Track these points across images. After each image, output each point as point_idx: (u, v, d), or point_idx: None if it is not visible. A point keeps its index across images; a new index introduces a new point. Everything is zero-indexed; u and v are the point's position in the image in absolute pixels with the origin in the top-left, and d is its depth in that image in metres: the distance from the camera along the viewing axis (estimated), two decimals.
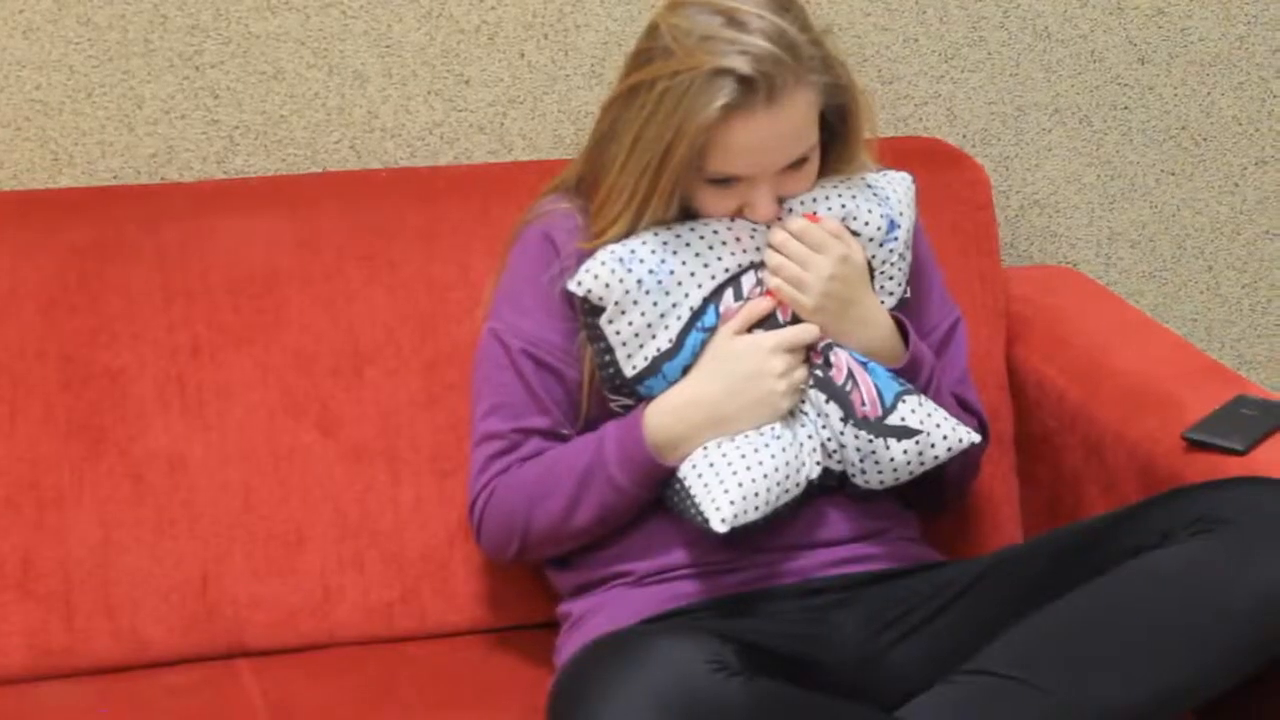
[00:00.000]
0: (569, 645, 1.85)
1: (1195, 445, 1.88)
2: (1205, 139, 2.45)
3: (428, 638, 2.00)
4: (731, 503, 1.77)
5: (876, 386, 1.83)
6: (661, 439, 1.81)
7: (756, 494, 1.78)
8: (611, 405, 1.86)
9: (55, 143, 2.12)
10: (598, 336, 1.83)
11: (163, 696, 1.89)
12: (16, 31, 2.09)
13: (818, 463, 1.83)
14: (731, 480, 1.77)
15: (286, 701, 1.88)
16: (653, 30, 1.81)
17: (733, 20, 1.76)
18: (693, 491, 1.79)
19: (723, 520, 1.76)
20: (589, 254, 1.83)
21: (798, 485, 1.81)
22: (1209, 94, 2.44)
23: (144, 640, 1.95)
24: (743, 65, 1.74)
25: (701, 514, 1.78)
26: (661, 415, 1.82)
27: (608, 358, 1.83)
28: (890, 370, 1.86)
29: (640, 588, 1.85)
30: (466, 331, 2.03)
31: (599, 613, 1.85)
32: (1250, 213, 2.49)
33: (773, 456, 1.79)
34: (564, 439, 1.87)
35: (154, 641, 1.95)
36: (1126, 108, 2.42)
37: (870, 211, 1.87)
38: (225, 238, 2.02)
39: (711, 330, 1.83)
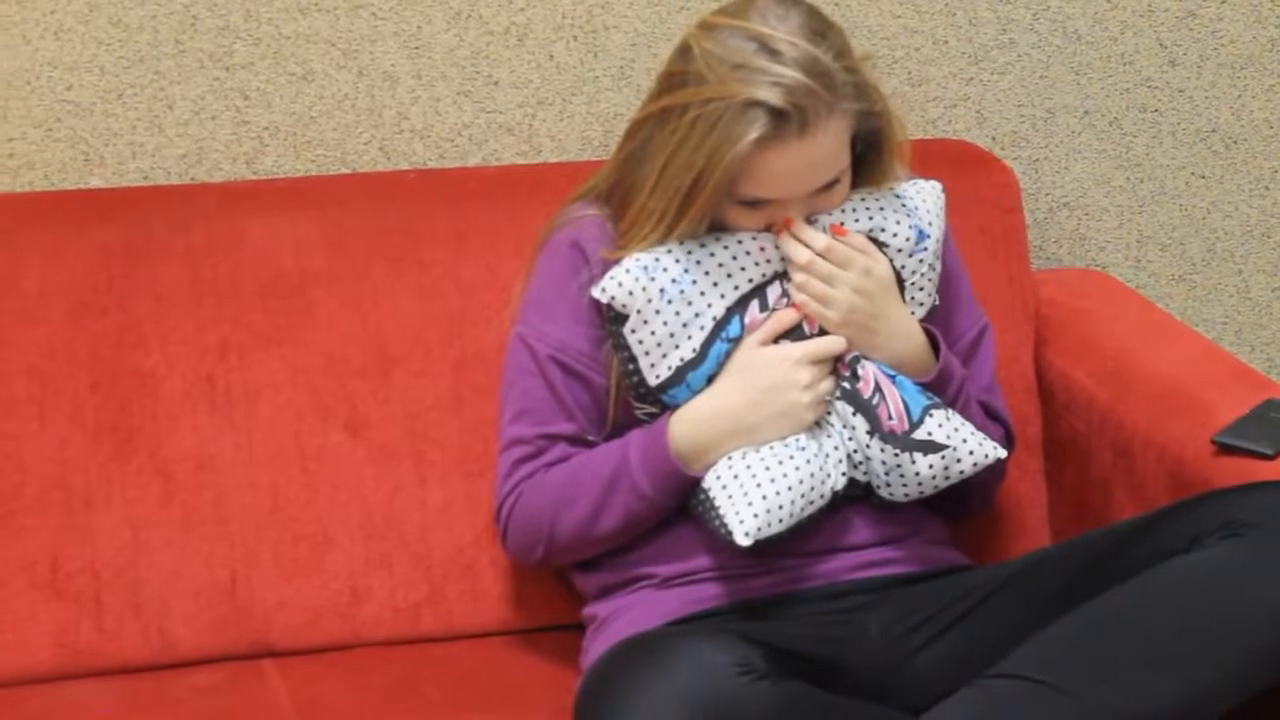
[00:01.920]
0: (595, 647, 1.85)
1: (1224, 449, 1.88)
2: (1235, 142, 2.44)
3: (454, 639, 2.00)
4: (755, 515, 1.77)
5: (904, 400, 1.83)
6: (686, 448, 1.81)
7: (780, 506, 1.78)
8: (637, 413, 1.86)
9: (86, 143, 2.13)
10: (622, 345, 1.83)
11: (190, 696, 1.89)
12: (48, 33, 2.10)
13: (843, 474, 1.83)
14: (756, 493, 1.77)
15: (313, 701, 1.88)
16: (685, 52, 1.80)
17: (766, 48, 1.76)
18: (716, 503, 1.79)
19: (746, 534, 1.76)
20: (615, 263, 1.84)
21: (822, 497, 1.81)
22: (1239, 96, 2.43)
23: (172, 640, 1.95)
24: (775, 98, 1.74)
25: (725, 526, 1.78)
26: (686, 424, 1.82)
27: (631, 366, 1.83)
28: (919, 383, 1.85)
29: (665, 590, 1.85)
30: (495, 333, 2.04)
31: (624, 615, 1.85)
32: None
33: (797, 469, 1.79)
34: (590, 445, 1.87)
35: (182, 641, 1.96)
36: (1156, 110, 2.41)
37: (899, 223, 1.87)
38: (255, 238, 2.02)
39: (736, 341, 1.83)
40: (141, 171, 2.15)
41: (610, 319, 1.84)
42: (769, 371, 1.81)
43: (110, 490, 1.95)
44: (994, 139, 2.36)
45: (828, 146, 1.78)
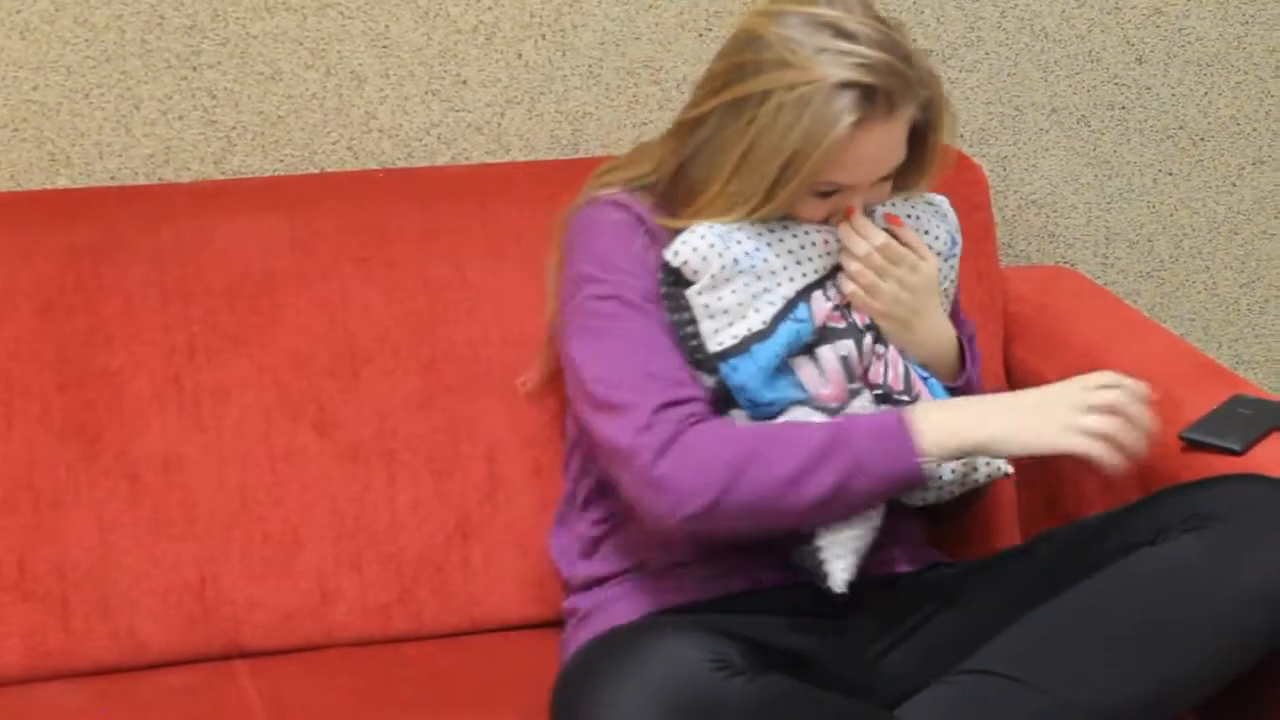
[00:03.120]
0: (576, 640, 1.85)
1: (1192, 445, 1.88)
2: (1203, 139, 2.45)
3: (425, 638, 2.00)
4: (849, 569, 1.79)
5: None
6: (929, 442, 1.75)
7: (857, 564, 1.80)
8: None
9: (52, 143, 2.12)
10: (683, 307, 1.81)
11: (160, 697, 1.89)
12: (14, 32, 2.09)
13: None
14: (834, 545, 1.79)
15: (284, 702, 1.88)
16: (754, 40, 1.78)
17: (841, 31, 1.76)
18: (821, 549, 1.80)
19: (846, 581, 1.79)
20: (676, 232, 1.81)
21: (875, 526, 1.83)
22: (1206, 94, 2.44)
23: (141, 641, 1.95)
24: (866, 77, 1.74)
25: (825, 570, 1.79)
26: (933, 429, 1.75)
27: (691, 329, 1.81)
28: (946, 389, 1.87)
29: (649, 582, 1.85)
30: (464, 332, 2.03)
31: (608, 608, 1.85)
32: (1248, 212, 2.49)
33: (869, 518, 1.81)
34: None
35: (151, 642, 1.95)
36: (1124, 107, 2.42)
37: (938, 226, 1.91)
38: (222, 238, 2.02)
39: (804, 324, 1.82)
40: (109, 172, 2.14)
41: (672, 281, 1.81)
42: (1061, 398, 1.75)
43: (78, 491, 1.95)
44: (962, 136, 2.36)
45: (901, 130, 1.80)
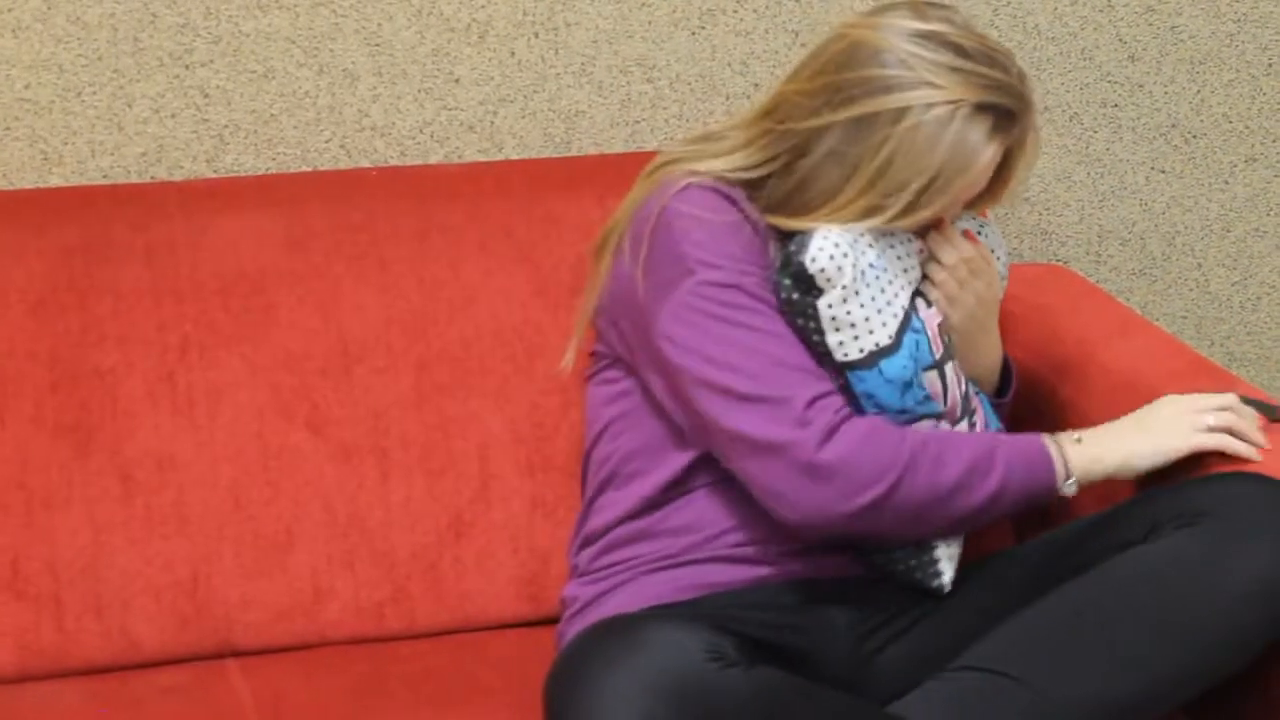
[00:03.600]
0: (571, 630, 1.85)
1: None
2: (1195, 137, 2.45)
3: (418, 637, 2.00)
4: (952, 571, 1.84)
5: (987, 420, 1.90)
6: (1076, 469, 1.80)
7: (953, 568, 1.84)
8: None
9: (45, 142, 2.12)
10: (810, 315, 1.78)
11: (153, 696, 1.89)
12: (5, 30, 2.09)
13: None
14: (946, 549, 1.84)
15: (277, 701, 1.88)
16: (876, 54, 1.76)
17: (960, 50, 1.76)
18: (939, 564, 1.83)
19: (951, 580, 1.83)
20: (784, 232, 1.79)
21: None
22: (1199, 92, 2.44)
23: (134, 640, 1.95)
24: (1002, 99, 1.76)
25: (939, 577, 1.83)
26: (1084, 461, 1.80)
27: (816, 338, 1.79)
28: (991, 403, 1.92)
29: (650, 576, 1.84)
30: (457, 330, 2.04)
31: (606, 600, 1.85)
32: (1240, 210, 2.49)
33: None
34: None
35: (144, 641, 1.95)
36: (1116, 105, 2.42)
37: (999, 246, 1.95)
38: (215, 237, 2.02)
39: (920, 334, 1.82)
40: (101, 170, 2.14)
41: (801, 289, 1.78)
42: (1180, 414, 1.82)
43: (70, 490, 1.95)
44: None
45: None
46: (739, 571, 1.83)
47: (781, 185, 1.81)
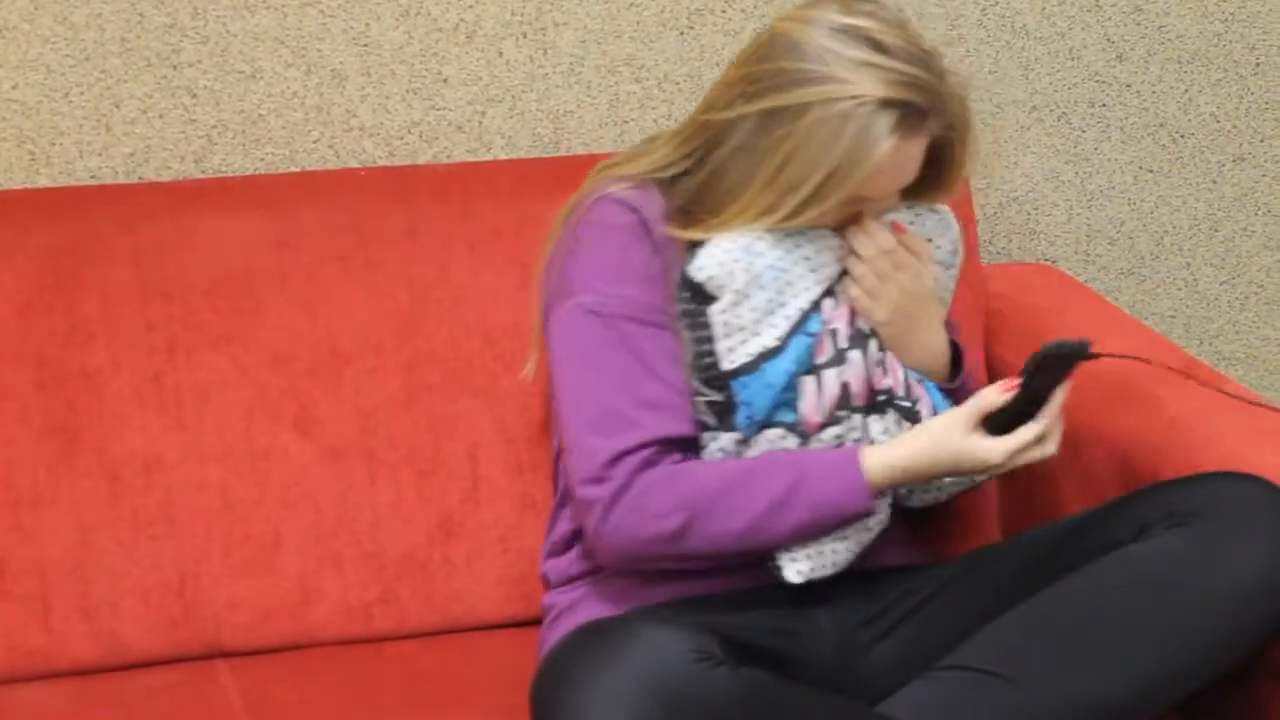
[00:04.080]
0: (552, 637, 1.84)
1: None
2: (1183, 136, 2.45)
3: (406, 637, 2.00)
4: (812, 569, 1.79)
5: (935, 407, 1.86)
6: (877, 485, 1.79)
7: (835, 564, 1.81)
8: (698, 400, 1.82)
9: (32, 142, 2.12)
10: (701, 324, 1.80)
11: (141, 697, 1.89)
12: None
13: (889, 501, 1.84)
14: (815, 545, 1.80)
15: (265, 702, 1.87)
16: (792, 47, 1.76)
17: (878, 44, 1.75)
18: (778, 560, 1.80)
19: (798, 572, 1.79)
20: (685, 243, 1.80)
21: (873, 535, 1.83)
22: (1187, 91, 2.44)
23: (122, 641, 1.94)
24: (906, 94, 1.74)
25: (777, 565, 1.80)
26: (882, 471, 1.78)
27: (706, 348, 1.80)
28: (940, 390, 1.87)
29: (625, 581, 1.84)
30: (446, 331, 2.03)
31: (583, 606, 1.85)
32: (1228, 209, 2.49)
33: (869, 528, 1.81)
34: (681, 445, 1.80)
35: (132, 642, 1.95)
36: (1104, 105, 2.42)
37: (941, 235, 1.91)
38: (203, 237, 2.01)
39: (814, 336, 1.81)
40: (89, 171, 2.14)
41: (695, 299, 1.79)
42: (971, 463, 1.78)
43: (57, 490, 1.94)
44: None
45: (924, 145, 1.79)
46: (718, 579, 1.83)
47: (694, 181, 1.82)
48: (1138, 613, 1.68)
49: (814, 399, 1.81)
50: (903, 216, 1.89)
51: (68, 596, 1.93)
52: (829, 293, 1.84)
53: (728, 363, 1.80)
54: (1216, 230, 2.49)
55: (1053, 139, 2.41)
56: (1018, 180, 2.41)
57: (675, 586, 1.83)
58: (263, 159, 2.18)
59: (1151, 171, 2.46)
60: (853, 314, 1.85)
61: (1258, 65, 2.46)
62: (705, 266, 1.78)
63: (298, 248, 2.03)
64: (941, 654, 1.73)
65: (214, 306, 2.00)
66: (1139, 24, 2.40)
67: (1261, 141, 2.48)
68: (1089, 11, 2.38)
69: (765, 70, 1.77)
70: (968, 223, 2.21)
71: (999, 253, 2.42)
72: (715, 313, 1.79)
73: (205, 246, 2.01)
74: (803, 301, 1.81)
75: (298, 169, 2.19)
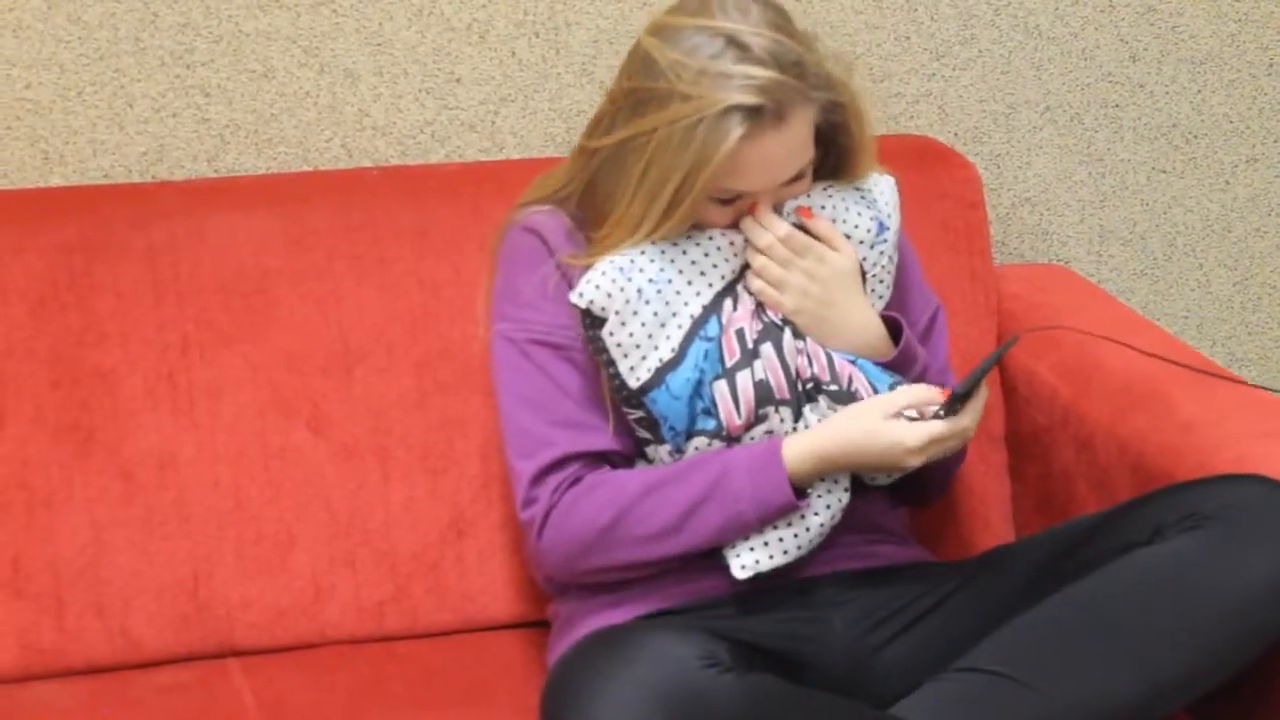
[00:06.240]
0: (560, 644, 1.85)
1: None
2: (1196, 136, 2.45)
3: (419, 637, 2.00)
4: (757, 561, 1.78)
5: (870, 383, 1.83)
6: (799, 480, 1.79)
7: (785, 552, 1.79)
8: (629, 418, 1.83)
9: (46, 141, 2.12)
10: (601, 349, 1.81)
11: (153, 696, 1.89)
12: (6, 30, 2.09)
13: (845, 489, 1.83)
14: (758, 538, 1.79)
15: (277, 701, 1.88)
16: (649, 65, 1.77)
17: (734, 43, 1.74)
18: (724, 554, 1.80)
19: (743, 567, 1.78)
20: (581, 269, 1.82)
21: (822, 526, 1.82)
22: (1200, 91, 2.44)
23: (135, 639, 1.95)
24: (751, 97, 1.73)
25: (723, 559, 1.79)
26: (803, 461, 1.78)
27: (612, 370, 1.81)
28: (878, 364, 1.85)
29: (630, 588, 1.85)
30: (458, 330, 2.03)
31: (590, 613, 1.85)
32: (1241, 210, 2.49)
33: (816, 515, 1.80)
34: (608, 458, 1.83)
35: (145, 641, 1.95)
36: (1118, 105, 2.42)
37: (859, 215, 1.87)
38: (216, 236, 2.02)
39: (714, 340, 1.81)
40: (102, 170, 2.14)
41: (588, 324, 1.81)
42: (889, 452, 1.78)
43: (71, 489, 1.94)
44: (956, 135, 2.36)
45: (800, 135, 1.78)
46: (718, 581, 1.82)
47: (581, 204, 1.86)
48: (1153, 616, 1.68)
49: (729, 403, 1.81)
50: (815, 200, 1.86)
51: (81, 595, 1.94)
52: (728, 294, 1.83)
53: (633, 380, 1.81)
54: (1229, 231, 2.49)
55: (1065, 140, 2.41)
56: (1030, 181, 2.41)
57: (683, 589, 1.83)
58: (275, 158, 2.18)
59: (1164, 172, 2.45)
60: (760, 308, 1.84)
61: (1271, 66, 2.46)
62: (585, 292, 1.80)
63: (310, 247, 2.03)
64: (954, 656, 1.73)
65: (227, 305, 2.00)
66: (1152, 24, 2.40)
67: (1275, 142, 2.48)
68: (1102, 12, 2.38)
69: (626, 90, 1.80)
70: (980, 224, 2.21)
71: (1011, 253, 2.42)
72: (606, 335, 1.80)
73: (218, 245, 2.01)
74: (694, 308, 1.81)
75: (310, 168, 2.19)
